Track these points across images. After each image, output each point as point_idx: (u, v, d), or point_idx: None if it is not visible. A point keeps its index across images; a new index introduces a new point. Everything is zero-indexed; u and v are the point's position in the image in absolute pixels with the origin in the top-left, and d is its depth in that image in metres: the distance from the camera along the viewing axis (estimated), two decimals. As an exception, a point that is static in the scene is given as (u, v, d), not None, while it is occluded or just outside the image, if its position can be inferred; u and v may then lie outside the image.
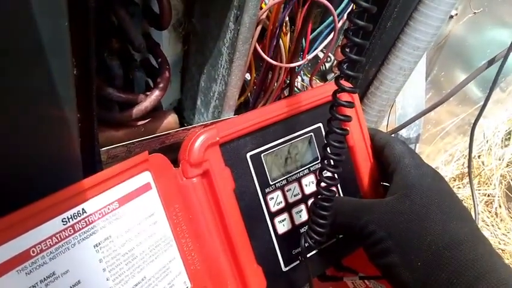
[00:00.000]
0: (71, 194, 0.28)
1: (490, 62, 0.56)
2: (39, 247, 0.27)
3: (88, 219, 0.29)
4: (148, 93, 0.43)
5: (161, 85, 0.43)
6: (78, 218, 0.29)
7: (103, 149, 0.37)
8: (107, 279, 0.30)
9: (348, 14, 0.29)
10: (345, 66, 0.31)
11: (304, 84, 0.60)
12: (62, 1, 0.23)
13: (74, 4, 0.25)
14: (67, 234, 0.28)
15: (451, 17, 0.73)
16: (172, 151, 0.41)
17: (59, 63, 0.25)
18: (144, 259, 0.33)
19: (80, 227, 0.29)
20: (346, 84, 0.36)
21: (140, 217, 0.33)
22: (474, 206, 0.65)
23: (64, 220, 0.28)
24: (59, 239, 0.28)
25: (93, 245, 0.30)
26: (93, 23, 0.29)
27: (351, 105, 0.32)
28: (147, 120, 0.45)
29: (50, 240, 0.27)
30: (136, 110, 0.42)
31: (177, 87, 0.53)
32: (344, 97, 0.33)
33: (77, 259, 0.28)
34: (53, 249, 0.27)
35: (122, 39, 0.41)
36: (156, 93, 0.43)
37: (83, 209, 0.29)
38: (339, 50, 0.41)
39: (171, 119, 0.48)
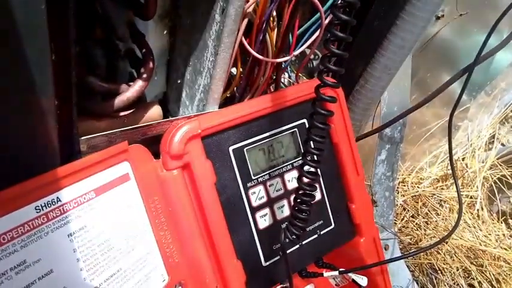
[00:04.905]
0: (45, 181, 0.28)
1: (475, 64, 0.56)
2: (10, 234, 0.26)
3: (63, 208, 0.29)
4: (131, 83, 0.43)
5: (144, 75, 0.42)
6: (52, 207, 0.28)
7: (83, 138, 0.36)
8: (81, 269, 0.29)
9: (332, 7, 0.29)
10: (327, 60, 0.31)
11: (291, 81, 0.59)
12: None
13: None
14: (40, 222, 0.27)
15: (438, 18, 0.74)
16: (155, 143, 0.40)
17: (34, 47, 0.24)
18: (120, 250, 0.32)
19: (54, 215, 0.28)
20: (330, 79, 0.35)
21: (117, 208, 0.32)
22: (460, 207, 0.65)
23: (37, 208, 0.27)
24: (32, 227, 0.27)
25: (67, 234, 0.29)
26: (74, 8, 0.28)
27: (333, 100, 0.32)
28: (130, 111, 0.45)
29: (21, 227, 0.26)
30: (119, 101, 0.42)
31: (163, 80, 0.52)
32: (328, 92, 0.33)
33: (50, 248, 0.28)
34: (25, 237, 0.27)
35: (106, 27, 0.40)
36: (139, 83, 0.42)
37: (57, 197, 0.28)
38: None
39: (155, 110, 0.47)
